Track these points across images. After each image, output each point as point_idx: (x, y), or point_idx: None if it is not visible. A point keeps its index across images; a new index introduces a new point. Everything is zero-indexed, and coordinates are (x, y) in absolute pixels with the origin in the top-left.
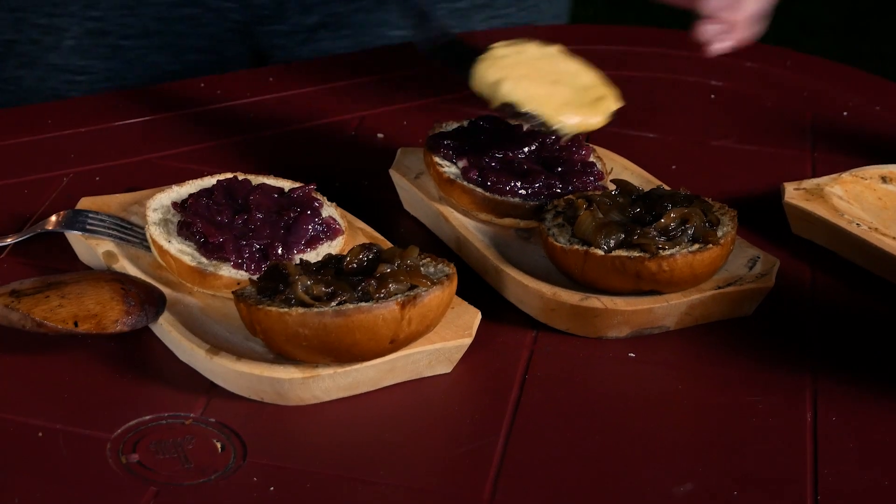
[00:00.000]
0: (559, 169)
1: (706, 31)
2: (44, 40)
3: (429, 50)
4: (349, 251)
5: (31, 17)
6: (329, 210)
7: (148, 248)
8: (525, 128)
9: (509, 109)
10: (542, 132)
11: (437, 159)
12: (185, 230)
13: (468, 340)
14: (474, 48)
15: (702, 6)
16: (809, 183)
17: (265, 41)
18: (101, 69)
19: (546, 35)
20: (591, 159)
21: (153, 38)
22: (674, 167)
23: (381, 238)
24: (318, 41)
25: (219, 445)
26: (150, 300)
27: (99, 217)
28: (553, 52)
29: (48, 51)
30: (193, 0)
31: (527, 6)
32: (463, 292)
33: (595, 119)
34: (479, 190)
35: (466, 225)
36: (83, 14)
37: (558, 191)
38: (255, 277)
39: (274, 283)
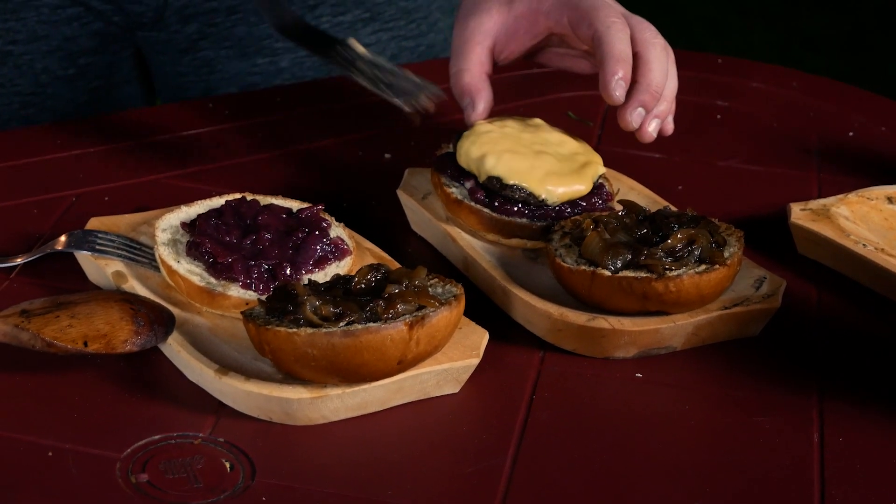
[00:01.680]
0: None
1: (629, 117)
2: None
3: (281, 31)
4: (357, 272)
5: None
6: (337, 230)
7: (157, 269)
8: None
9: (496, 182)
10: (529, 203)
11: (444, 180)
12: (193, 250)
13: (476, 361)
14: (325, 33)
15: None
16: (815, 203)
17: (147, 47)
18: None
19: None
20: (599, 180)
21: (41, 43)
22: (680, 188)
23: (389, 258)
24: (200, 51)
25: (228, 465)
26: (159, 320)
27: (108, 237)
28: (536, 123)
29: None
30: (75, 0)
31: (416, 18)
32: (470, 313)
33: (581, 186)
34: (486, 210)
35: (474, 245)
36: None
37: (566, 212)
38: (263, 298)
39: (282, 304)
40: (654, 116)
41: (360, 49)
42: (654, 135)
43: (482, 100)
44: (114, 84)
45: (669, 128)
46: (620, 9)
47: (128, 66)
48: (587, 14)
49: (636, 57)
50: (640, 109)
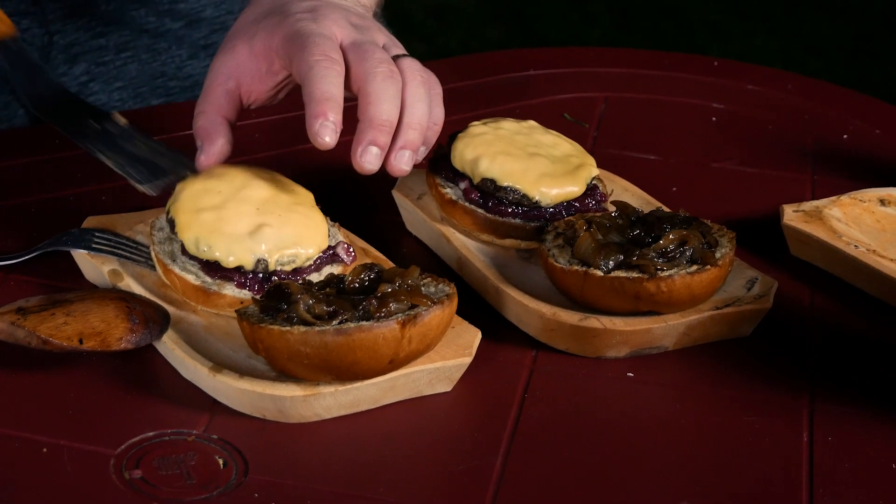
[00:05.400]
0: None
1: (359, 159)
2: None
3: (39, 107)
4: (351, 271)
5: None
6: (338, 236)
7: (153, 267)
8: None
9: (490, 184)
10: (523, 204)
11: (439, 180)
12: None
13: (468, 359)
14: (90, 106)
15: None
16: (808, 205)
17: None
18: None
19: (550, 59)
20: (592, 182)
21: None
22: (674, 189)
23: (384, 258)
24: (91, 94)
25: (221, 462)
26: (154, 318)
27: (104, 236)
28: (530, 125)
29: None
30: None
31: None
32: (464, 312)
33: (574, 188)
34: (480, 211)
35: (468, 245)
36: None
37: (559, 213)
38: (257, 297)
39: (276, 302)
40: (399, 148)
41: (122, 121)
42: (407, 168)
43: (212, 143)
44: (13, 126)
45: (420, 157)
46: (349, 36)
47: (21, 112)
48: (297, 52)
49: (359, 94)
50: (371, 148)
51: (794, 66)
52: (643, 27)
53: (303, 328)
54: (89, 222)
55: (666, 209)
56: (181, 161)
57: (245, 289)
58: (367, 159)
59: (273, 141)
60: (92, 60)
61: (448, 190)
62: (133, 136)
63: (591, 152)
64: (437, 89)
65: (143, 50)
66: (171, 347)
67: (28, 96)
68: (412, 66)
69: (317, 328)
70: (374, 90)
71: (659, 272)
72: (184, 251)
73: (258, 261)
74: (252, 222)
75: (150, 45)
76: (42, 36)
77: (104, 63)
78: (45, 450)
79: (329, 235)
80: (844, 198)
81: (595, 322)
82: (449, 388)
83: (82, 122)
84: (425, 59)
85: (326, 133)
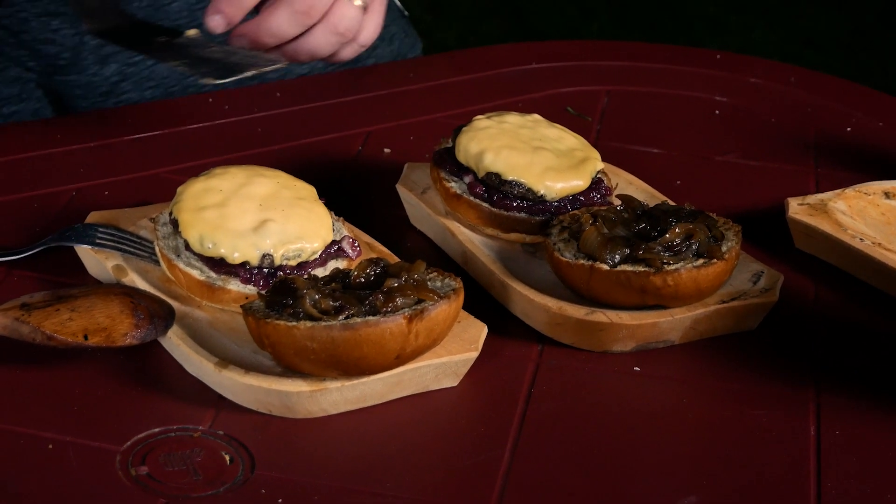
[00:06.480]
0: None
1: (207, 17)
2: None
3: (103, 34)
4: (356, 265)
5: None
6: (343, 231)
7: (157, 262)
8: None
9: (495, 178)
10: (528, 198)
11: (443, 175)
12: None
13: (474, 354)
14: (157, 26)
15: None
16: (813, 198)
17: (65, 91)
18: None
19: (552, 52)
20: (597, 175)
21: None
22: (678, 182)
23: (389, 252)
24: (123, 94)
25: (227, 458)
26: (159, 314)
27: (108, 231)
28: (534, 119)
29: None
30: None
31: None
32: (469, 306)
33: (579, 181)
34: (485, 205)
35: (473, 239)
36: None
37: (564, 207)
38: (263, 292)
39: (282, 298)
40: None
41: (191, 33)
42: (214, 24)
43: None
44: None
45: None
46: None
47: (45, 113)
48: None
49: None
50: (219, 18)
51: (791, 59)
52: (641, 22)
53: (309, 323)
54: (93, 217)
55: (671, 203)
56: (257, 56)
57: (250, 284)
58: (213, 21)
59: (276, 136)
60: (123, 61)
61: (453, 184)
62: (203, 43)
63: (595, 146)
64: (362, 40)
65: None
66: (176, 343)
67: (90, 24)
68: (346, 13)
69: (323, 323)
70: (276, 9)
71: (665, 266)
72: (188, 247)
73: (263, 256)
74: (255, 218)
75: None
76: (73, 37)
77: (135, 63)
78: (50, 446)
79: (334, 230)
80: (849, 191)
81: (601, 316)
82: (455, 383)
83: (148, 39)
84: (422, 54)
85: (216, 23)
